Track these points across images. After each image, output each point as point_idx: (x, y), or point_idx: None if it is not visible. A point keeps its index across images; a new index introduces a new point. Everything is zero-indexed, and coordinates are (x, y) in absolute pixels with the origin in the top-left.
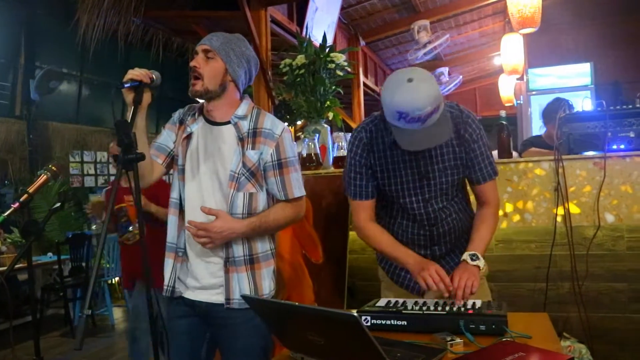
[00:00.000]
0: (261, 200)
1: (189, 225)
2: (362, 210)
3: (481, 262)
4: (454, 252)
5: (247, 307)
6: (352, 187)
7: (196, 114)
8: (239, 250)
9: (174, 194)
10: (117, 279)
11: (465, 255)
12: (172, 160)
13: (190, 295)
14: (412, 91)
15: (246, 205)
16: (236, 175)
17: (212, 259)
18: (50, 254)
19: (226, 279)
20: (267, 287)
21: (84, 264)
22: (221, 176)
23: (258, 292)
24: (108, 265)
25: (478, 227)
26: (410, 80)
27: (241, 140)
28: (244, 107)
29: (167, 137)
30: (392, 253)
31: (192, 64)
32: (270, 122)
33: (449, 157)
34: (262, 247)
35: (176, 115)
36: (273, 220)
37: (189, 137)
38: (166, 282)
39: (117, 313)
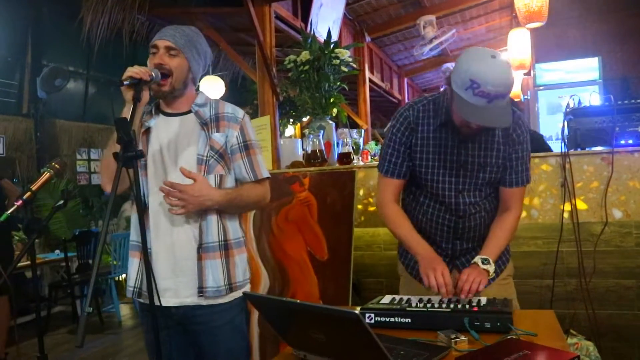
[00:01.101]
0: (229, 183)
1: (163, 186)
2: (389, 189)
3: (491, 268)
4: (476, 250)
5: (221, 301)
6: (387, 163)
7: (152, 110)
8: (212, 235)
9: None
10: (124, 276)
11: (477, 258)
12: None
13: (163, 302)
14: (494, 66)
15: (217, 187)
16: (205, 157)
17: (182, 252)
18: (57, 251)
19: (199, 267)
20: (241, 274)
21: (91, 261)
22: (190, 161)
23: (231, 280)
24: (115, 263)
25: (496, 232)
26: (494, 56)
27: (205, 124)
28: (202, 97)
29: None
30: (405, 238)
31: (155, 60)
32: (231, 108)
33: (491, 154)
34: (235, 233)
35: None
36: (247, 196)
37: (147, 132)
38: (131, 283)
39: (124, 310)
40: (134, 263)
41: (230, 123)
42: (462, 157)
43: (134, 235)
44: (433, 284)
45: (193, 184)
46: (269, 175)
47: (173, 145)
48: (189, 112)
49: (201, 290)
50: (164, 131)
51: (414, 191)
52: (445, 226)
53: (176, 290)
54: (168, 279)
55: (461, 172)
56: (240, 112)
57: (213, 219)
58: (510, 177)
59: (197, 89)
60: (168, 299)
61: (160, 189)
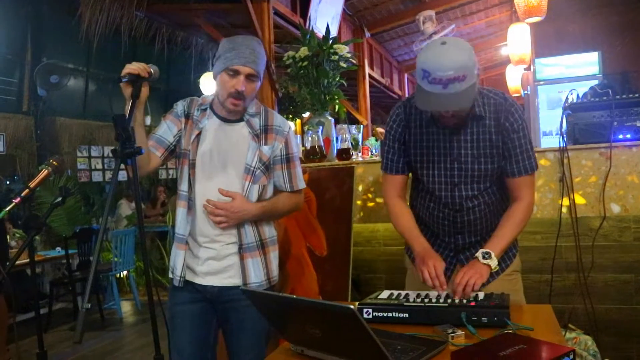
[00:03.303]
0: (270, 191)
1: (207, 204)
2: (390, 185)
3: (493, 262)
4: (480, 244)
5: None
6: (385, 160)
7: (207, 110)
8: (250, 237)
9: (184, 187)
10: (125, 272)
11: (478, 253)
12: (169, 154)
13: (200, 281)
14: (441, 52)
15: (259, 196)
16: (252, 168)
17: (222, 245)
18: (59, 248)
19: (242, 265)
20: (275, 269)
21: (91, 258)
22: (237, 169)
23: (269, 275)
24: (116, 259)
25: (502, 224)
26: (443, 43)
27: (256, 136)
28: (253, 106)
29: (168, 130)
30: (404, 233)
31: (239, 88)
32: (280, 120)
33: (484, 145)
34: (270, 232)
35: (179, 108)
36: (281, 206)
37: (199, 133)
38: (178, 272)
39: (125, 307)
40: (180, 255)
41: (277, 136)
42: (454, 151)
43: (180, 228)
44: (426, 277)
45: (233, 202)
46: (305, 186)
47: (223, 152)
48: (241, 119)
49: (246, 286)
50: (215, 135)
51: (416, 186)
52: (445, 220)
53: (214, 273)
54: (210, 266)
55: (455, 165)
56: (286, 126)
57: (249, 223)
58: (512, 167)
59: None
60: (207, 279)
61: (204, 207)
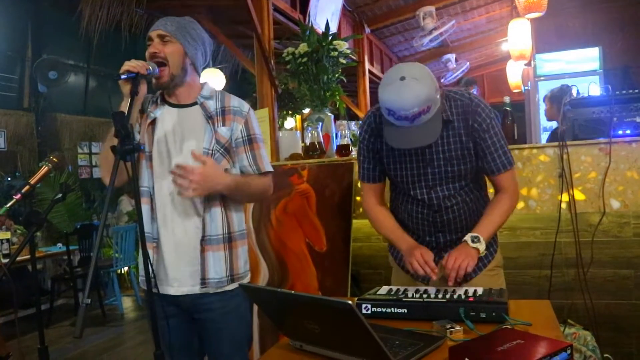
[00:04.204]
0: None
1: (175, 170)
2: (370, 193)
3: (482, 246)
4: (461, 241)
5: (225, 290)
6: (361, 169)
7: (158, 100)
8: (217, 228)
9: (144, 183)
10: (125, 268)
11: (467, 237)
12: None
13: (172, 291)
14: (401, 90)
15: None
16: (210, 152)
17: (188, 243)
18: (60, 244)
19: (202, 258)
20: (243, 266)
21: (92, 254)
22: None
23: (234, 272)
24: (117, 255)
25: (489, 211)
26: (402, 78)
27: (210, 118)
28: (208, 89)
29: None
30: (388, 236)
31: (150, 50)
32: (237, 101)
33: (455, 147)
34: (239, 225)
35: None
36: (254, 185)
37: (153, 122)
38: (144, 272)
39: (126, 302)
40: (148, 254)
41: (236, 117)
42: (426, 156)
43: (146, 226)
44: (416, 267)
45: (204, 167)
46: (272, 169)
47: (179, 137)
48: (195, 103)
49: (204, 282)
50: (169, 122)
51: (394, 190)
52: (425, 220)
53: (183, 279)
54: (175, 268)
55: (429, 169)
56: (245, 106)
57: (217, 211)
58: (490, 165)
59: (203, 83)
60: (177, 288)
61: (171, 172)
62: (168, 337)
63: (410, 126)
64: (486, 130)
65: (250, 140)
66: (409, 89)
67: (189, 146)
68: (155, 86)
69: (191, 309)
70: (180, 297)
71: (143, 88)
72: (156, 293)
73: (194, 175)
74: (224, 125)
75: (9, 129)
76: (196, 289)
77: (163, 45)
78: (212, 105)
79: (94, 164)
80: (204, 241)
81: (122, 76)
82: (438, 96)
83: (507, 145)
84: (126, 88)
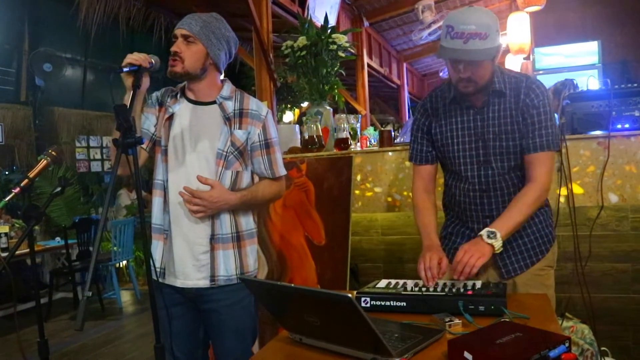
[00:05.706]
0: (245, 178)
1: (183, 191)
2: (418, 177)
3: (497, 243)
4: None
5: (232, 284)
6: (411, 150)
7: (177, 95)
8: (225, 228)
9: (159, 176)
10: (124, 262)
11: (483, 231)
12: (154, 144)
13: (178, 283)
14: (467, 10)
15: (232, 183)
16: (224, 153)
17: (196, 240)
18: (58, 238)
19: (211, 257)
20: (252, 264)
21: (91, 248)
22: (208, 154)
23: (244, 270)
24: (116, 249)
25: (512, 204)
26: (471, 5)
27: (228, 119)
28: (228, 88)
29: (148, 121)
30: (420, 228)
31: (173, 49)
32: (256, 104)
33: (505, 122)
34: (247, 225)
35: (153, 98)
36: (262, 195)
37: (171, 117)
38: (157, 264)
39: (125, 296)
40: (158, 246)
41: (253, 120)
42: (478, 130)
43: (158, 219)
44: (419, 268)
45: (211, 191)
46: (286, 172)
47: (195, 135)
48: (214, 102)
49: (213, 279)
50: (186, 118)
51: (446, 174)
52: (472, 204)
53: (189, 273)
54: (182, 262)
55: (480, 143)
56: (264, 109)
57: (226, 214)
58: (528, 142)
59: (224, 79)
60: (182, 281)
61: (179, 194)
62: (169, 327)
63: (462, 47)
64: (536, 107)
65: (267, 145)
66: (473, 10)
67: (203, 146)
68: (168, 75)
69: (196, 300)
70: (185, 289)
71: (145, 81)
72: (162, 282)
73: (202, 201)
74: (240, 128)
75: (6, 122)
76: (201, 283)
77: (186, 45)
78: (230, 106)
79: (91, 157)
80: (214, 239)
81: (124, 69)
82: (497, 40)
83: (556, 129)
84: (128, 81)
